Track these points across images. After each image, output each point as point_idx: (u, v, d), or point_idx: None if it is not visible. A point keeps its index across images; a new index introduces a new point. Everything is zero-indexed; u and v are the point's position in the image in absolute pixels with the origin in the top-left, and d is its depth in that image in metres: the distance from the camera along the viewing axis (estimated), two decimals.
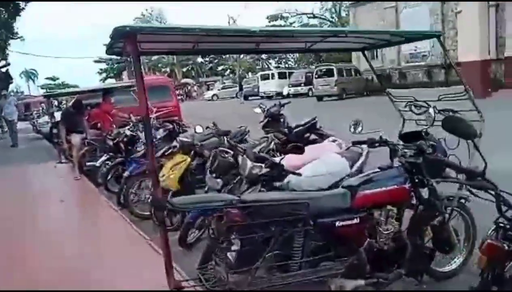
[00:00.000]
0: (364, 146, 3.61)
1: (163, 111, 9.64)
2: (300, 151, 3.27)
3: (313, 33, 3.21)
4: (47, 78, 68.91)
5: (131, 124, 8.02)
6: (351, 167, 3.63)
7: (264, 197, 2.69)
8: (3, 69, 22.91)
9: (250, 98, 31.94)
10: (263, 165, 3.31)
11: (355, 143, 3.39)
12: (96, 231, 5.02)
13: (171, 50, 3.41)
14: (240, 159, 3.56)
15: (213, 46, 3.18)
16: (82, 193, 6.91)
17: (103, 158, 7.02)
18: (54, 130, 12.29)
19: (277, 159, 3.50)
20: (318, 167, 3.52)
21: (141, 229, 4.67)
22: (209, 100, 38.36)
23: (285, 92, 28.64)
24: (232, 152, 3.94)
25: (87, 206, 6.13)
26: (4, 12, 17.23)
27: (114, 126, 7.97)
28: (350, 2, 30.56)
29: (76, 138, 7.89)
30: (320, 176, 3.43)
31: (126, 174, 5.68)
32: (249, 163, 3.35)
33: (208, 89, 48.43)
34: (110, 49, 2.76)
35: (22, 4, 17.39)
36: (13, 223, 5.35)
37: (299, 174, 3.22)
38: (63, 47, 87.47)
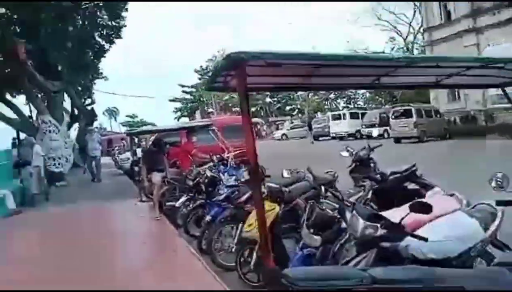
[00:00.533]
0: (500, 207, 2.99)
1: (240, 151, 9.54)
2: (426, 209, 2.72)
3: (462, 60, 2.57)
4: (127, 115, 74.26)
5: (212, 164, 7.94)
6: (485, 230, 3.00)
7: (402, 275, 2.14)
8: (89, 107, 24.69)
9: (320, 138, 31.40)
10: (378, 225, 2.80)
11: (500, 203, 2.77)
12: (176, 278, 4.74)
13: (279, 85, 3.10)
14: (348, 215, 3.08)
15: (326, 80, 2.80)
16: (162, 234, 6.78)
17: (183, 199, 6.91)
18: (135, 168, 12.76)
19: (388, 213, 2.98)
20: (442, 229, 2.93)
21: (224, 282, 4.30)
22: (278, 139, 38.47)
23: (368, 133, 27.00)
24: (333, 204, 3.49)
25: (168, 249, 5.92)
26: (90, 53, 18.74)
27: (194, 165, 7.91)
28: (425, 40, 29.54)
29: (156, 177, 7.90)
30: (447, 240, 2.84)
31: (207, 218, 5.44)
32: (361, 222, 2.86)
33: (277, 129, 48.81)
34: (211, 83, 2.51)
35: (107, 45, 18.80)
36: (92, 261, 5.28)
37: (425, 239, 2.66)
38: (140, 86, 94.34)
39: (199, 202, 6.35)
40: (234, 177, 5.61)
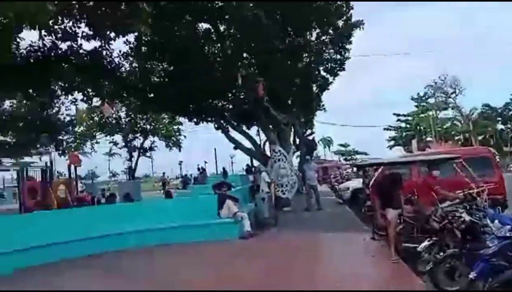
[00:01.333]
0: None
1: (485, 188, 7.93)
2: None
3: None
4: (340, 144, 76.20)
5: (457, 202, 6.74)
6: None
7: None
8: (310, 137, 25.94)
9: None
10: None
11: None
12: None
13: None
14: None
15: None
16: (402, 281, 5.94)
17: (426, 243, 5.95)
18: (359, 198, 12.28)
19: None
20: None
21: None
22: None
23: None
24: None
25: None
26: (315, 87, 19.62)
27: (438, 204, 6.83)
28: None
29: (392, 214, 7.18)
30: None
31: (472, 275, 4.38)
32: None
33: None
34: None
35: (331, 78, 19.33)
36: None
37: None
38: (352, 115, 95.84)
39: (452, 251, 5.30)
40: (509, 226, 4.38)
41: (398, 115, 65.77)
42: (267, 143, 22.32)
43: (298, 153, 23.57)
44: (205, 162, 43.69)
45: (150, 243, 9.51)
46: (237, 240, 9.82)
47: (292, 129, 22.36)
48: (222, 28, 15.30)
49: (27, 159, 28.53)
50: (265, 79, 13.77)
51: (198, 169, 31.91)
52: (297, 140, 24.15)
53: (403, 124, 66.44)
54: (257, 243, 9.63)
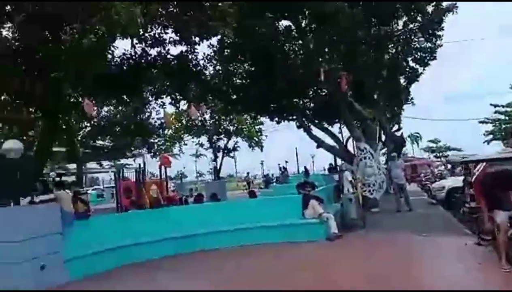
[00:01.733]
0: None
1: None
2: None
3: None
4: (429, 140, 71.22)
5: None
6: None
7: None
8: (398, 133, 24.48)
9: None
10: None
11: None
12: None
13: None
14: None
15: None
16: None
17: None
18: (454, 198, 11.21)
19: None
20: None
21: None
22: None
23: None
24: None
25: None
26: (403, 79, 18.40)
27: None
28: None
29: (502, 217, 6.33)
30: None
31: None
32: None
33: None
34: None
35: (420, 69, 18.02)
36: None
37: None
38: (442, 109, 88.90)
39: None
40: None
41: (496, 106, 59.56)
42: (350, 141, 21.53)
43: (384, 150, 22.43)
44: (286, 162, 43.71)
45: (237, 243, 9.58)
46: (324, 241, 9.51)
47: (379, 125, 21.30)
48: (303, 23, 15.03)
49: (123, 161, 30.95)
50: (349, 73, 13.19)
51: (280, 168, 31.99)
52: (383, 137, 22.99)
53: (502, 117, 60.10)
54: (344, 245, 9.21)
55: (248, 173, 39.88)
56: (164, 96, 13.64)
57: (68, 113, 15.74)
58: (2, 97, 11.35)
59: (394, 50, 16.79)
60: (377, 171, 14.78)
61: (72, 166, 29.39)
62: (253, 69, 16.70)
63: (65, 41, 9.53)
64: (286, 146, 77.71)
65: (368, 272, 6.74)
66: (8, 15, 9.12)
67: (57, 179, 22.99)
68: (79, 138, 25.57)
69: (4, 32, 10.12)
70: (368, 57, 14.68)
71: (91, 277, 7.80)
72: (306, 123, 19.54)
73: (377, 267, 6.97)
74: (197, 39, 11.50)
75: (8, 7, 8.98)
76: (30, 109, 12.99)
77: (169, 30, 11.27)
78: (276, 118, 19.76)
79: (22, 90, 10.71)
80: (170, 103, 13.86)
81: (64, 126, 19.20)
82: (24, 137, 16.13)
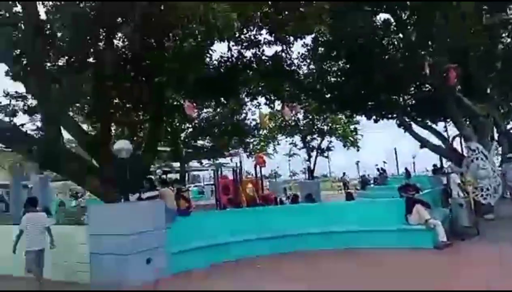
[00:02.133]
0: None
1: None
2: None
3: None
4: None
5: None
6: None
7: None
8: None
9: None
10: None
11: None
12: None
13: None
14: None
15: None
16: None
17: None
18: None
19: None
20: None
21: None
22: None
23: None
24: None
25: None
26: None
27: None
28: None
29: None
30: None
31: None
32: None
33: None
34: None
35: None
36: None
37: None
38: None
39: None
40: None
41: None
42: (456, 139, 19.59)
43: (499, 150, 20.02)
44: (384, 162, 41.59)
45: (333, 247, 9.27)
46: (430, 249, 8.72)
47: (492, 122, 19.05)
48: (404, 15, 14.04)
49: (221, 160, 32.26)
50: (458, 65, 11.95)
51: (378, 170, 30.54)
52: (497, 136, 20.55)
53: None
54: (455, 254, 8.33)
55: (344, 173, 38.62)
56: (259, 97, 13.79)
57: (171, 116, 16.81)
58: (115, 102, 12.47)
59: (509, 39, 14.87)
60: (492, 174, 13.21)
61: (176, 164, 31.47)
62: (348, 66, 16.09)
63: (168, 48, 10.12)
64: (383, 146, 74.21)
65: (487, 286, 5.96)
66: (119, 26, 9.96)
67: (163, 176, 24.81)
68: (182, 138, 27.23)
69: (116, 42, 11.11)
70: (479, 48, 13.18)
71: (192, 272, 8.13)
72: (407, 121, 18.27)
73: (496, 282, 6.13)
74: (291, 38, 11.41)
75: (119, 19, 9.81)
76: (139, 112, 14.11)
77: (264, 31, 11.35)
78: (374, 117, 18.79)
79: (131, 95, 11.67)
80: (265, 103, 13.98)
81: (168, 128, 20.61)
82: (134, 138, 17.63)
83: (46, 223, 7.70)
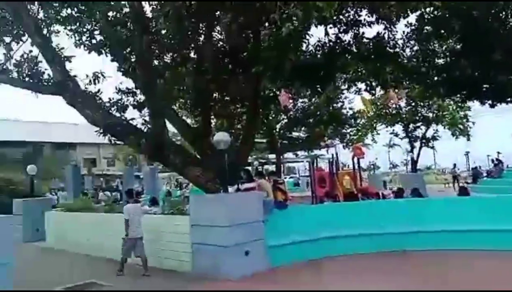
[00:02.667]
0: None
1: None
2: None
3: None
4: None
5: None
6: None
7: None
8: None
9: None
10: None
11: None
12: None
13: None
14: None
15: None
16: None
17: None
18: None
19: None
20: None
21: None
22: None
23: None
24: None
25: None
26: None
27: None
28: None
29: None
30: None
31: None
32: None
33: None
34: None
35: None
36: None
37: None
38: None
39: None
40: None
41: None
42: None
43: None
44: (499, 153, 37.11)
45: (445, 246, 8.34)
46: None
47: None
48: None
49: (316, 151, 31.71)
50: None
51: (493, 161, 27.32)
52: None
53: None
54: None
55: (454, 165, 35.21)
56: (359, 82, 12.94)
57: (267, 107, 16.78)
58: (214, 95, 12.76)
59: None
60: None
61: (272, 156, 31.71)
62: (459, 45, 14.35)
63: (264, 37, 9.96)
64: (498, 134, 66.22)
65: None
66: (217, 19, 10.07)
67: (259, 168, 25.16)
68: (277, 130, 27.31)
69: (215, 37, 11.30)
70: None
71: (290, 267, 7.92)
72: None
73: None
74: (395, 18, 10.45)
75: (217, 13, 9.91)
76: (236, 105, 14.29)
77: (364, 12, 10.55)
78: (489, 101, 16.63)
79: (229, 88, 11.80)
80: (365, 89, 13.08)
81: (264, 120, 20.72)
82: (232, 131, 18.01)
83: (142, 213, 8.43)
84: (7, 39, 10.79)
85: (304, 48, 10.67)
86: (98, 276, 8.04)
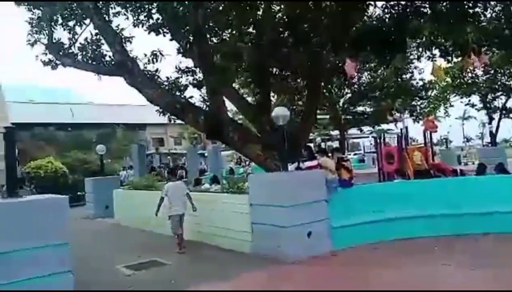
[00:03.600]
0: None
1: None
2: None
3: None
4: None
5: None
6: None
7: None
8: None
9: None
10: None
11: None
12: None
13: None
14: None
15: None
16: None
17: None
18: None
19: None
20: None
21: None
22: None
23: None
24: None
25: None
26: None
27: None
28: None
29: None
30: None
31: None
32: None
33: None
34: None
35: None
36: None
37: None
38: None
39: None
40: None
41: None
42: None
43: None
44: None
45: None
46: None
47: None
48: None
49: (383, 126, 30.13)
50: None
51: None
52: None
53: None
54: None
55: None
56: (433, 48, 11.69)
57: (330, 80, 15.97)
58: (274, 70, 12.28)
59: None
60: None
61: (335, 132, 30.67)
62: None
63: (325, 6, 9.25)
64: None
65: None
66: None
67: (322, 144, 24.43)
68: (340, 105, 26.26)
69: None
70: None
71: (355, 249, 7.42)
72: None
73: None
74: None
75: None
76: (297, 79, 13.72)
77: None
78: None
79: (289, 61, 11.26)
80: (441, 55, 11.77)
81: (327, 94, 19.87)
82: (294, 107, 17.47)
83: (185, 190, 8.55)
84: (71, 23, 11.08)
85: (370, 11, 9.76)
86: (159, 252, 8.15)
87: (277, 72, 12.46)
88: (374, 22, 10.25)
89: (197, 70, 11.91)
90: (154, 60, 10.72)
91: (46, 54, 11.32)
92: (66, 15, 10.90)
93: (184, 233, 8.40)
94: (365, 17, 9.55)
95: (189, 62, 12.00)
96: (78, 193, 18.22)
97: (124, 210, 12.88)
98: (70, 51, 11.12)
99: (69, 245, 4.66)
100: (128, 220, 12.28)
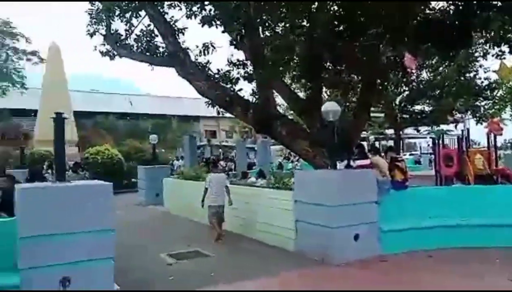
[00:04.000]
0: None
1: None
2: None
3: None
4: None
5: None
6: None
7: None
8: None
9: None
10: None
11: None
12: None
13: None
14: None
15: None
16: None
17: None
18: None
19: None
20: None
21: None
22: None
23: None
24: None
25: None
26: None
27: None
28: None
29: None
30: None
31: None
32: None
33: None
34: None
35: None
36: None
37: None
38: None
39: None
40: None
41: None
42: None
43: None
44: None
45: None
46: None
47: None
48: None
49: (443, 127, 28.48)
50: None
51: None
52: None
53: None
54: None
55: None
56: (502, 44, 10.67)
57: (386, 76, 15.21)
58: (328, 64, 11.86)
59: None
60: None
61: (390, 131, 29.45)
62: None
63: None
64: None
65: None
66: None
67: (375, 143, 23.50)
68: (397, 103, 25.16)
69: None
70: None
71: (406, 254, 6.97)
72: None
73: None
74: None
75: None
76: (351, 74, 13.15)
77: None
78: None
79: (343, 55, 10.79)
80: (510, 51, 10.72)
81: (383, 91, 19.00)
82: (347, 103, 16.88)
83: (225, 183, 8.62)
84: (128, 15, 11.36)
85: (433, 2, 9.06)
86: (203, 243, 8.21)
87: (330, 66, 12.03)
88: (437, 14, 9.52)
89: (248, 63, 11.79)
90: (206, 52, 10.72)
91: (104, 44, 11.74)
92: (124, 7, 11.20)
93: (225, 225, 8.38)
94: (427, 9, 8.86)
95: (240, 55, 11.92)
96: (132, 180, 18.91)
97: (172, 199, 13.17)
98: (126, 42, 11.43)
99: (116, 231, 4.69)
100: (177, 208, 12.52)
